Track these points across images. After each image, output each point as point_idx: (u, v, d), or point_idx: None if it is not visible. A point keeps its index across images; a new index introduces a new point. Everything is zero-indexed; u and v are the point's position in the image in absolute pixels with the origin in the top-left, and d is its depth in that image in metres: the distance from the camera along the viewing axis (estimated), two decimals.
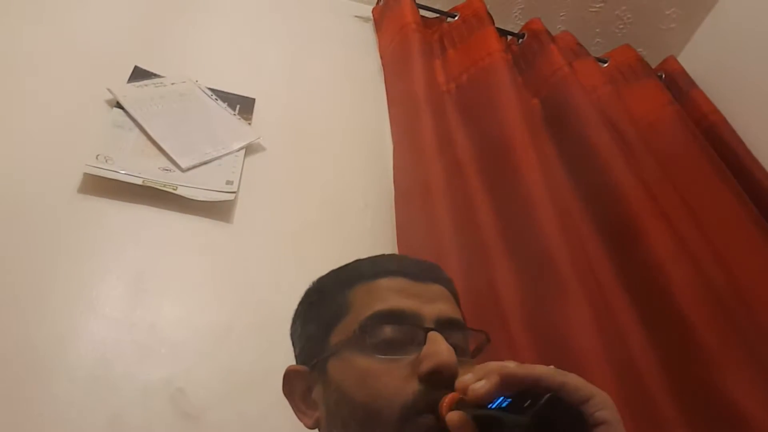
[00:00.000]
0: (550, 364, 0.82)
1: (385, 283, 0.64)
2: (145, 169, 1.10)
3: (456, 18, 1.62)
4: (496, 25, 1.56)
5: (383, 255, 0.71)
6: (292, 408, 0.67)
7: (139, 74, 1.28)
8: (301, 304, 0.72)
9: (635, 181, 1.26)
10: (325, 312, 0.66)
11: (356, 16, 1.68)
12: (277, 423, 0.81)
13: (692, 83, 1.71)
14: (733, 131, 1.57)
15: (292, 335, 0.72)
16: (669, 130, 1.54)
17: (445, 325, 0.60)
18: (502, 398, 0.47)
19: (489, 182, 1.24)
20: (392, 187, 1.25)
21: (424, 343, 0.57)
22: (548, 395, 0.44)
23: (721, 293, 1.13)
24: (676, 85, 1.70)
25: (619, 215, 1.22)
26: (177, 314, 0.98)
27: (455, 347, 0.57)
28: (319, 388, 0.64)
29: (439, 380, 0.54)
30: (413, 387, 0.55)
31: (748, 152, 1.52)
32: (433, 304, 0.62)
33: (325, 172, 1.28)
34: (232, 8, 1.53)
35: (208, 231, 1.10)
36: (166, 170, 1.12)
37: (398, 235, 1.16)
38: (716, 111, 1.62)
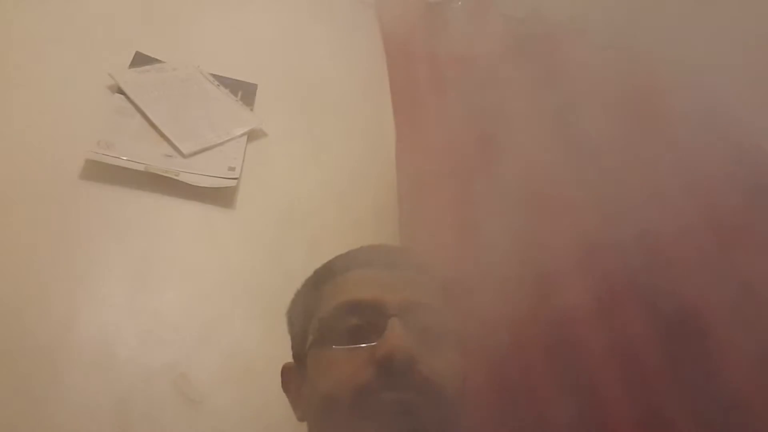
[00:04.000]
0: (555, 357, 0.80)
1: (351, 275, 0.66)
2: (147, 155, 1.10)
3: (460, 2, 1.61)
4: (501, 9, 1.54)
5: (361, 247, 0.72)
6: (290, 402, 0.70)
7: (140, 60, 1.27)
8: (290, 303, 0.75)
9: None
10: (302, 311, 0.69)
11: (359, 0, 1.66)
12: (278, 408, 0.81)
13: None
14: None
15: (289, 333, 0.74)
16: None
17: (410, 311, 0.61)
18: None
19: (493, 167, 1.23)
20: (395, 173, 1.24)
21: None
22: None
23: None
24: None
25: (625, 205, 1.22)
26: (179, 300, 0.98)
27: (423, 331, 0.59)
28: (305, 382, 0.66)
29: (393, 365, 0.55)
30: (368, 372, 0.56)
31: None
32: (401, 291, 0.63)
33: (328, 158, 1.28)
34: None
35: (210, 217, 1.10)
36: (168, 156, 1.12)
37: (401, 222, 1.15)
38: None
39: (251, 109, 1.29)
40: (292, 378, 0.69)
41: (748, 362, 0.90)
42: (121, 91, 1.19)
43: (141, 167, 1.07)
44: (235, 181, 1.13)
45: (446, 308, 0.66)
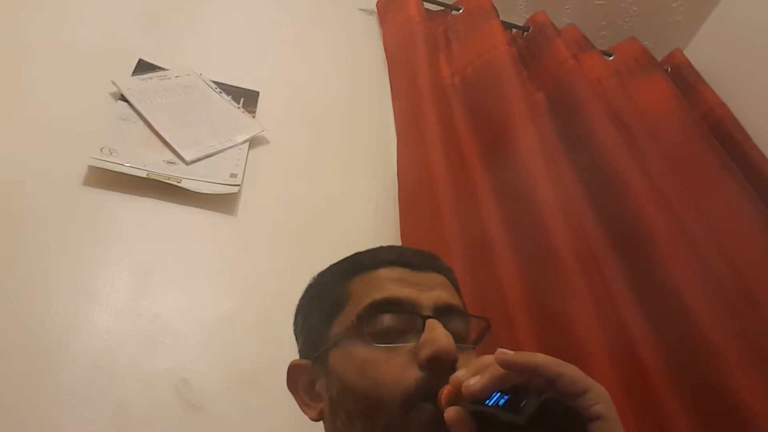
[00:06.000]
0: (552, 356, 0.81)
1: (383, 273, 0.64)
2: (150, 162, 1.10)
3: (460, 11, 1.62)
4: (501, 18, 1.56)
5: (382, 246, 0.71)
6: (297, 401, 0.68)
7: (143, 67, 1.28)
8: (302, 299, 0.73)
9: (640, 174, 1.26)
10: (325, 305, 0.67)
11: (361, 9, 1.68)
12: (280, 413, 0.81)
13: (698, 77, 1.70)
14: (739, 125, 1.57)
15: (294, 330, 0.73)
16: (674, 123, 1.53)
17: (443, 313, 0.60)
18: (498, 394, 0.47)
19: (493, 175, 1.24)
20: (396, 181, 1.25)
21: (423, 331, 0.57)
22: (544, 397, 0.44)
23: (726, 286, 1.13)
24: (682, 78, 1.70)
25: (624, 208, 1.22)
26: (181, 305, 0.98)
27: (455, 334, 0.58)
28: (322, 380, 0.64)
29: (439, 366, 0.55)
30: (413, 374, 0.55)
31: (754, 146, 1.52)
32: (432, 292, 0.62)
33: (329, 165, 1.28)
34: (236, 1, 1.53)
35: (212, 223, 1.10)
36: (171, 163, 1.13)
37: (402, 228, 1.16)
38: (722, 104, 1.61)
39: (253, 116, 1.29)
40: (302, 376, 0.67)
41: None
42: (124, 99, 1.20)
43: (143, 174, 1.08)
44: (237, 187, 1.14)
45: (466, 311, 0.66)
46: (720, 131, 1.54)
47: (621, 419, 0.46)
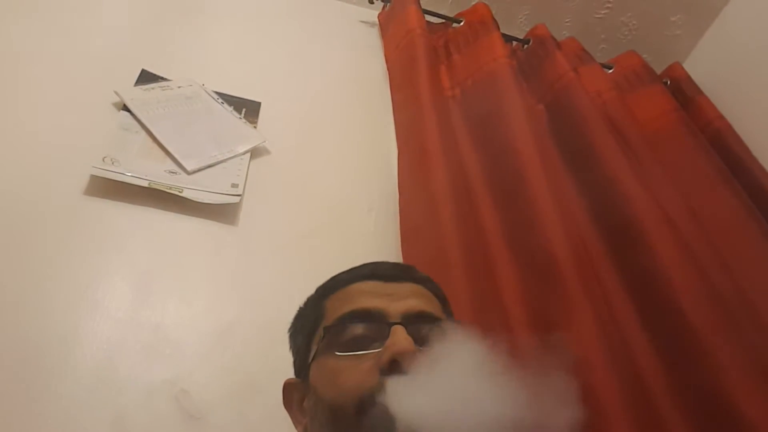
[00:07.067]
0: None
1: (356, 287, 0.66)
2: (151, 172, 1.11)
3: (461, 23, 1.63)
4: (502, 30, 1.57)
5: (363, 264, 0.73)
6: (291, 419, 0.70)
7: (146, 77, 1.28)
8: (292, 320, 0.75)
9: (640, 187, 1.26)
10: (306, 324, 0.70)
11: (362, 21, 1.69)
12: (280, 424, 0.81)
13: (697, 90, 1.71)
14: (738, 138, 1.57)
15: (290, 350, 0.74)
16: (674, 136, 1.54)
17: (413, 320, 0.62)
18: None
19: (493, 187, 1.24)
20: (396, 192, 1.25)
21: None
22: None
23: (727, 299, 1.13)
24: (681, 91, 1.71)
25: (624, 221, 1.22)
26: (182, 315, 0.98)
27: (427, 339, 0.59)
28: (307, 395, 0.66)
29: (400, 369, 0.56)
30: (374, 379, 0.56)
31: (754, 159, 1.52)
32: (404, 301, 0.64)
33: (330, 176, 1.29)
34: (238, 12, 1.54)
35: (213, 233, 1.10)
36: (172, 173, 1.13)
37: (402, 240, 1.16)
38: (721, 117, 1.62)
39: (255, 127, 1.30)
40: (294, 394, 0.69)
41: None
42: (126, 108, 1.20)
43: (145, 183, 1.08)
44: (238, 197, 1.14)
45: (447, 320, 0.67)
46: (719, 144, 1.55)
47: None
